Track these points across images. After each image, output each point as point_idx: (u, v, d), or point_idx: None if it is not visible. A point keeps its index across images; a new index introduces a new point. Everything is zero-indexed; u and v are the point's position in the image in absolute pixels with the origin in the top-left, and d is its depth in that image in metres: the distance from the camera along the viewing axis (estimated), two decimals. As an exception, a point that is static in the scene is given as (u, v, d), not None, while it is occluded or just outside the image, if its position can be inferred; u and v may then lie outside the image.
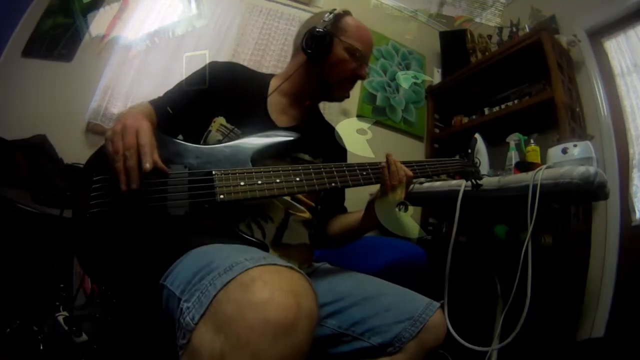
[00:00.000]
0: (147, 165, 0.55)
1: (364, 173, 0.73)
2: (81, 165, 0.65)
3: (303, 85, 0.85)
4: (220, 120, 0.76)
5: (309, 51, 0.79)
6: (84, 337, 1.27)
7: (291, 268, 0.46)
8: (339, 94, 0.88)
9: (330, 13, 0.82)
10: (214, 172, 0.63)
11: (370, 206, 0.80)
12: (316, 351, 0.65)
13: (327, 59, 0.81)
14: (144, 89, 1.91)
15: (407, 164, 0.78)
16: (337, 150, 0.98)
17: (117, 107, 1.85)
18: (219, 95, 0.79)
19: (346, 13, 0.86)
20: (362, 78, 0.87)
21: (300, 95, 0.86)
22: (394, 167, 0.72)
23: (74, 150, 1.66)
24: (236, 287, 0.41)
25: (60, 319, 1.28)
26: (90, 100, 1.83)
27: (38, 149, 1.46)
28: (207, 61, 0.86)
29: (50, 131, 1.63)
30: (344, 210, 0.97)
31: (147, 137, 0.57)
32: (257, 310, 0.38)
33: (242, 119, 0.77)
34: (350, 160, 0.98)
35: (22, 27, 1.85)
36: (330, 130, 0.99)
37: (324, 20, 0.81)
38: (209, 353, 0.38)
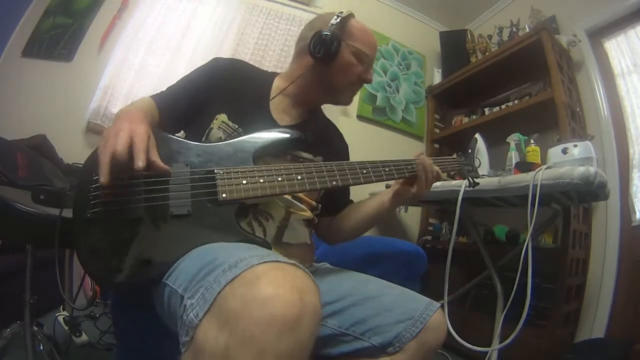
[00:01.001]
0: (140, 164, 0.53)
1: (364, 172, 0.73)
2: (81, 165, 0.65)
3: (309, 88, 0.85)
4: (222, 117, 0.76)
5: (317, 55, 0.79)
6: (84, 337, 1.27)
7: (295, 265, 0.46)
8: (345, 98, 0.88)
9: (338, 16, 0.81)
10: (216, 171, 0.63)
11: (399, 195, 0.83)
12: (317, 351, 0.65)
13: (335, 63, 0.80)
14: (144, 89, 1.91)
15: (406, 162, 0.79)
16: (338, 148, 0.98)
17: (117, 107, 1.85)
18: (221, 92, 0.79)
19: (351, 16, 0.85)
20: (369, 82, 0.87)
21: (304, 97, 0.86)
22: (430, 168, 0.78)
23: (74, 150, 1.66)
24: (241, 284, 0.41)
25: (61, 319, 1.28)
26: (90, 100, 1.84)
27: (38, 149, 1.46)
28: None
29: (50, 131, 1.63)
30: (351, 202, 0.97)
31: (142, 143, 0.56)
32: (262, 306, 0.38)
33: (244, 117, 0.77)
34: (352, 158, 0.99)
35: (22, 27, 1.85)
36: (332, 127, 1.00)
37: (332, 24, 0.80)
38: (214, 348, 0.38)
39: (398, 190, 0.84)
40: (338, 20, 0.80)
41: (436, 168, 0.80)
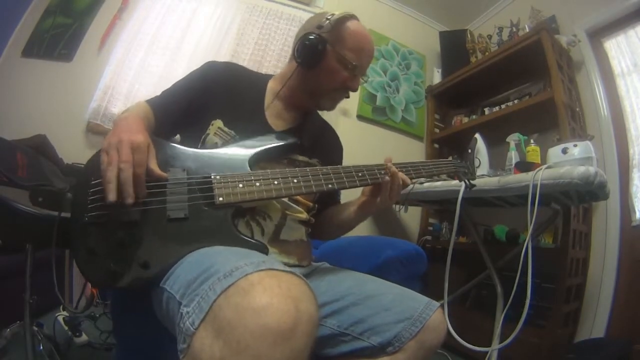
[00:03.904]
0: (142, 195, 0.57)
1: (360, 175, 0.73)
2: (81, 165, 0.65)
3: (295, 90, 0.84)
4: (218, 123, 0.76)
5: (298, 60, 0.78)
6: (84, 337, 1.27)
7: (291, 272, 0.46)
8: (326, 104, 0.85)
9: (327, 19, 0.78)
10: (212, 176, 0.64)
11: (365, 206, 0.81)
12: (316, 351, 0.65)
13: (318, 68, 0.78)
14: (144, 89, 1.91)
15: (401, 165, 0.78)
16: (334, 149, 0.98)
17: (117, 107, 1.85)
18: (216, 97, 0.79)
19: (349, 17, 0.80)
20: (353, 90, 0.83)
21: (293, 100, 0.86)
22: (394, 174, 0.74)
23: (74, 150, 1.67)
24: (236, 292, 0.41)
25: (61, 319, 1.28)
26: (90, 100, 1.84)
27: (38, 149, 1.46)
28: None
29: (50, 131, 1.63)
30: (338, 203, 0.97)
31: (143, 154, 0.57)
32: (256, 316, 0.38)
33: (240, 123, 0.77)
34: (347, 159, 0.99)
35: (22, 27, 1.85)
36: (327, 129, 0.99)
37: (320, 26, 0.78)
38: (209, 357, 0.38)
39: (364, 203, 0.81)
40: (327, 22, 0.78)
41: (402, 176, 0.75)
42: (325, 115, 0.98)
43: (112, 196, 0.54)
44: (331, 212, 0.92)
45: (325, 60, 0.78)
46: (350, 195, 0.97)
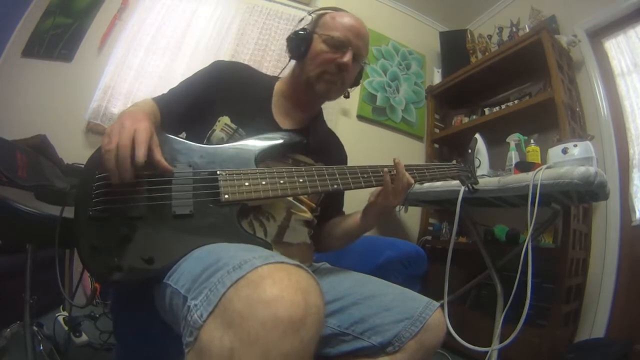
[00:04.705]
0: (141, 157, 0.55)
1: (365, 176, 0.73)
2: (82, 165, 0.66)
3: (296, 86, 0.85)
4: (225, 119, 0.77)
5: (290, 54, 0.83)
6: (84, 337, 1.27)
7: (299, 266, 0.46)
8: (321, 88, 0.81)
9: (309, 14, 0.86)
10: (218, 172, 0.64)
11: (368, 209, 0.80)
12: (317, 351, 0.65)
13: (308, 55, 0.81)
14: (144, 89, 1.91)
15: (406, 167, 0.78)
16: (338, 158, 0.97)
17: (117, 107, 1.86)
18: (223, 94, 0.80)
19: (332, 10, 0.84)
20: (345, 64, 0.79)
21: (296, 97, 0.86)
22: (401, 174, 0.74)
23: (74, 150, 1.66)
24: (246, 285, 0.41)
25: (60, 319, 1.28)
26: (90, 100, 1.84)
27: (38, 149, 1.46)
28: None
29: (50, 131, 1.63)
30: (342, 215, 0.97)
31: (144, 136, 0.57)
32: (267, 307, 0.38)
33: (247, 120, 0.78)
34: (352, 158, 0.99)
35: (22, 27, 1.85)
36: (333, 137, 1.00)
37: (300, 21, 0.85)
38: (218, 349, 0.38)
39: (367, 206, 0.81)
40: (309, 17, 0.84)
41: (407, 175, 0.75)
42: (326, 115, 0.98)
43: (116, 180, 0.55)
44: (335, 222, 0.92)
45: (312, 46, 0.81)
46: (354, 207, 0.97)
